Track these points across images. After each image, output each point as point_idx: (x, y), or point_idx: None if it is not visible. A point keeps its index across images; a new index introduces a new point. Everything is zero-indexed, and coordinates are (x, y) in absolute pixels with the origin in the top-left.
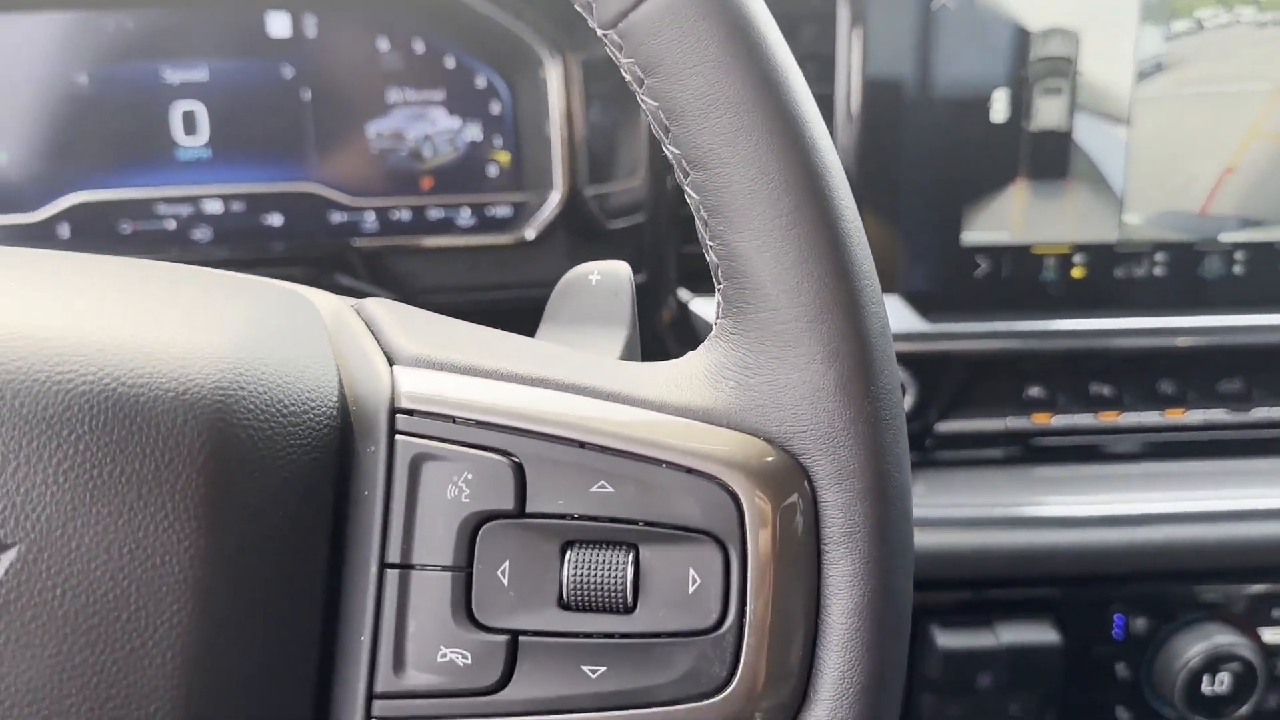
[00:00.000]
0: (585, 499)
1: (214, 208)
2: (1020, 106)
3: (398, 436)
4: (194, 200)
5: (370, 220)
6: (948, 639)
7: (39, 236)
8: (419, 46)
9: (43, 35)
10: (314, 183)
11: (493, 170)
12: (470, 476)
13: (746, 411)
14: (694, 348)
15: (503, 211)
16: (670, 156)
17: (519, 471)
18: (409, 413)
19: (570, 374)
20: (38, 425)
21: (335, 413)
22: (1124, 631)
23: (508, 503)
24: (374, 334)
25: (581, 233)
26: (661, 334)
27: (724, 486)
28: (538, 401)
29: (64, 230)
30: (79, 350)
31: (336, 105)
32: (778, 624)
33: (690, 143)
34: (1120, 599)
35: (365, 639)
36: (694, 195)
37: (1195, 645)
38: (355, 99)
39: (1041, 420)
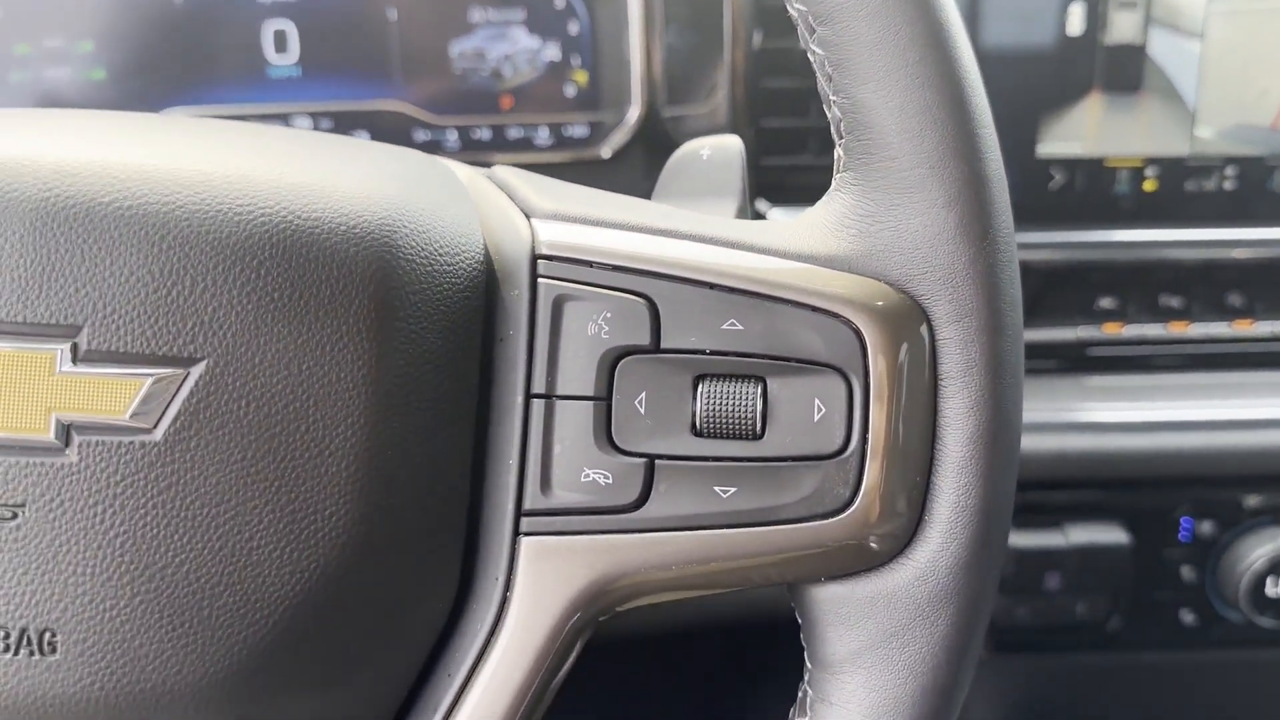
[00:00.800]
0: (716, 335)
1: (303, 124)
2: (1096, 20)
3: (540, 280)
4: (284, 117)
5: (452, 138)
6: (1018, 538)
7: None
8: None
9: None
10: (399, 101)
11: (570, 90)
12: (609, 315)
13: (868, 257)
14: None
15: (579, 131)
16: (796, 15)
17: (654, 311)
18: (549, 259)
19: (696, 226)
20: (222, 251)
21: (481, 258)
22: (1190, 534)
23: (644, 339)
24: (508, 194)
25: (657, 152)
26: None
27: (847, 323)
28: (669, 248)
29: None
30: (257, 187)
31: (421, 24)
32: (897, 450)
33: None
34: (1187, 502)
35: (513, 461)
36: (819, 51)
37: (1260, 548)
38: (439, 18)
39: (1112, 330)
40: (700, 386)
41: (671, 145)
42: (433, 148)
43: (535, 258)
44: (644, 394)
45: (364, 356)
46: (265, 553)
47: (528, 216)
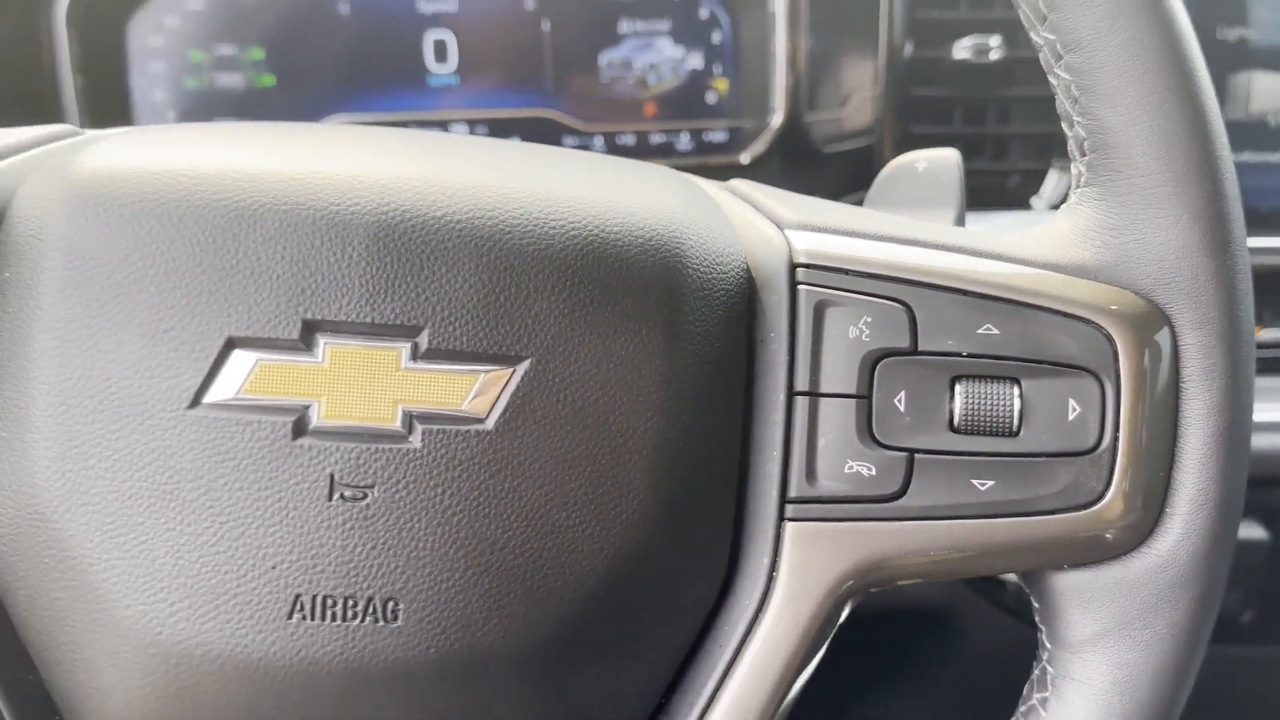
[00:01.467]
0: (973, 339)
1: (459, 131)
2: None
3: (799, 287)
4: (442, 124)
5: (598, 144)
6: None
7: None
8: None
9: None
10: (550, 109)
11: (711, 97)
12: (869, 320)
13: (1115, 267)
14: None
15: (719, 136)
16: (1042, 43)
17: (911, 316)
18: (807, 267)
19: (943, 236)
20: (540, 261)
21: (743, 266)
22: None
23: (903, 342)
24: (753, 206)
25: (795, 157)
26: None
27: (1099, 328)
28: (923, 257)
29: None
30: (563, 203)
31: (573, 35)
32: (1146, 448)
33: (1069, 28)
34: None
35: (777, 453)
36: (1065, 76)
37: None
38: (590, 29)
39: None
40: (957, 386)
41: (811, 150)
42: None
43: (793, 266)
44: (903, 393)
45: (659, 356)
46: (578, 531)
47: (780, 227)
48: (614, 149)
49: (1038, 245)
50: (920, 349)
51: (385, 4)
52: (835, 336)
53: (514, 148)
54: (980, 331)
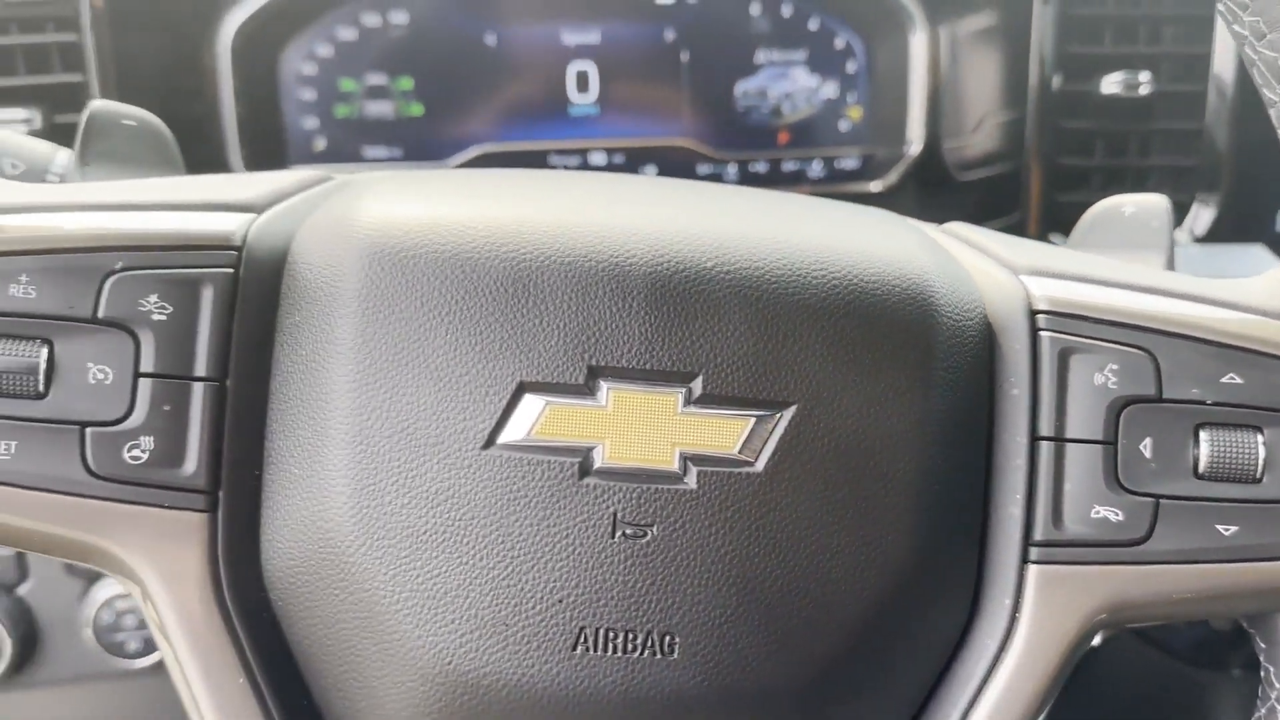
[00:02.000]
0: (1217, 388)
1: (598, 159)
2: None
3: (1041, 334)
4: (582, 152)
5: (732, 172)
6: None
7: None
8: (787, 10)
9: None
10: (685, 137)
11: (844, 125)
12: (1115, 367)
13: None
14: None
15: (851, 164)
16: (1277, 99)
17: (1155, 363)
18: (1049, 314)
19: (1177, 284)
20: (803, 311)
21: (983, 312)
22: None
23: (1149, 389)
24: (980, 251)
25: (930, 184)
26: None
27: None
28: (1162, 305)
29: None
30: (820, 253)
31: (710, 66)
32: None
33: None
34: None
35: (1019, 496)
36: None
37: None
38: (727, 60)
39: None
40: (1202, 433)
41: (944, 178)
42: (714, 180)
43: (1033, 312)
44: (1149, 439)
45: (914, 400)
46: (841, 569)
47: (1013, 272)
48: (746, 176)
49: (1269, 295)
50: (1165, 396)
51: (531, 36)
52: (1080, 383)
53: (756, 195)
54: (1224, 380)
